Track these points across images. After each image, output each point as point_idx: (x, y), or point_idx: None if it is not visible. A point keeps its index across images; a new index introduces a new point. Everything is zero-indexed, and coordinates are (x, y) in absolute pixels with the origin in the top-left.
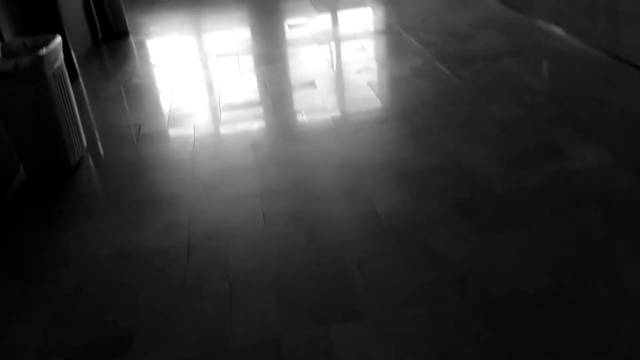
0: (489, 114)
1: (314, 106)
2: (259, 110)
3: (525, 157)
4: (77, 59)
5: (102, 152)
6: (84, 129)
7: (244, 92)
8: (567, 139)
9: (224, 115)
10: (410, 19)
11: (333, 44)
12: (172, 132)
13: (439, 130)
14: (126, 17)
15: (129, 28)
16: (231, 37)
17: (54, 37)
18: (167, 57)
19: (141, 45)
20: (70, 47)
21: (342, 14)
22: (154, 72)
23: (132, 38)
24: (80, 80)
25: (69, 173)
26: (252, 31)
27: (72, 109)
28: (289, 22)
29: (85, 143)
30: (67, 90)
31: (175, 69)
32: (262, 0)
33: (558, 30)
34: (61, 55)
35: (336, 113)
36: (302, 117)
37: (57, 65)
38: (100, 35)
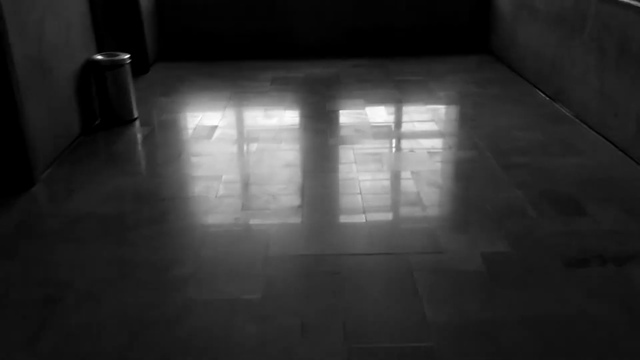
0: None
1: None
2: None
3: None
4: (45, 158)
5: None
6: None
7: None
8: None
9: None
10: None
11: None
12: None
13: None
14: (134, 99)
15: (136, 113)
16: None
17: None
18: (174, 159)
19: (147, 138)
20: (28, 146)
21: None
22: (145, 185)
23: (137, 127)
24: (35, 191)
25: None
26: (300, 141)
27: None
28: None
29: None
30: None
31: (184, 185)
32: (309, 89)
33: None
34: None
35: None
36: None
37: None
38: (98, 120)
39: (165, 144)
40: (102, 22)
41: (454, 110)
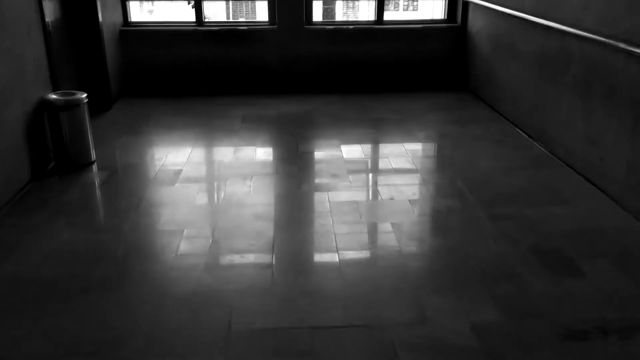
0: None
1: None
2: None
3: None
4: None
5: None
6: None
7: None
8: None
9: None
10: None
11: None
12: None
13: None
14: (92, 141)
15: (94, 156)
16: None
17: None
18: (131, 209)
19: (104, 184)
20: None
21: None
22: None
23: (94, 172)
24: None
25: None
26: (276, 190)
27: None
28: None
29: None
30: None
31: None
32: (282, 128)
33: None
34: None
35: None
36: None
37: None
38: (52, 164)
39: (123, 191)
40: (60, 59)
41: (434, 152)
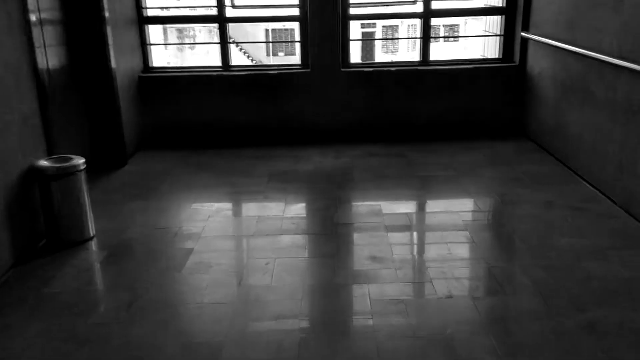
0: None
1: None
2: None
3: None
4: None
5: None
6: None
7: None
8: None
9: None
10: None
11: None
12: None
13: None
14: (90, 214)
15: (92, 231)
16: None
17: None
18: (120, 311)
19: (97, 271)
20: None
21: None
22: None
23: (91, 251)
24: None
25: None
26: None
27: None
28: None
29: None
30: None
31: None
32: (315, 188)
33: None
34: None
35: None
36: None
37: None
38: (44, 241)
39: (120, 281)
40: (62, 115)
41: (497, 224)
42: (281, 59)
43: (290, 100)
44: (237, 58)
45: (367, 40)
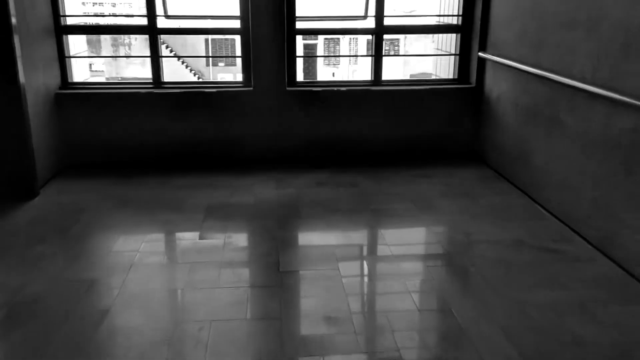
0: None
1: None
2: None
3: None
4: None
5: None
6: None
7: None
8: None
9: None
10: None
11: None
12: None
13: None
14: None
15: None
16: None
17: None
18: None
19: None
20: None
21: None
22: None
23: None
24: None
25: None
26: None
27: None
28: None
29: None
30: None
31: None
32: (258, 227)
33: None
34: None
35: None
36: None
37: None
38: None
39: (14, 352)
40: None
41: (467, 273)
42: (221, 69)
43: (228, 122)
44: (177, 69)
45: (311, 57)
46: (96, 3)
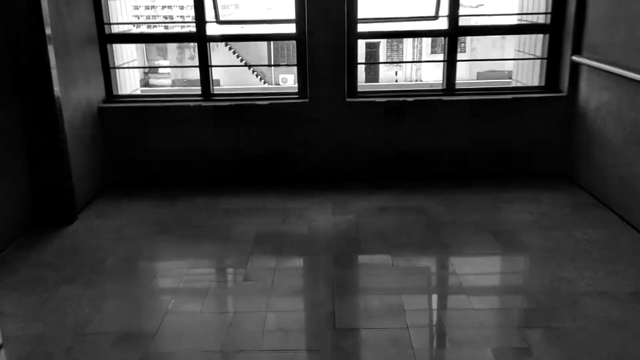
0: None
1: None
2: None
3: None
4: None
5: None
6: None
7: None
8: None
9: None
10: None
11: None
12: None
13: None
14: None
15: None
16: None
17: None
18: None
19: None
20: None
21: None
22: None
23: None
24: None
25: None
26: None
27: None
28: None
29: None
30: None
31: None
32: (309, 264)
33: None
34: None
35: None
36: None
37: None
38: None
39: None
40: None
41: (570, 345)
42: (282, 70)
43: (281, 137)
44: (239, 70)
45: (373, 63)
46: (149, 7)
